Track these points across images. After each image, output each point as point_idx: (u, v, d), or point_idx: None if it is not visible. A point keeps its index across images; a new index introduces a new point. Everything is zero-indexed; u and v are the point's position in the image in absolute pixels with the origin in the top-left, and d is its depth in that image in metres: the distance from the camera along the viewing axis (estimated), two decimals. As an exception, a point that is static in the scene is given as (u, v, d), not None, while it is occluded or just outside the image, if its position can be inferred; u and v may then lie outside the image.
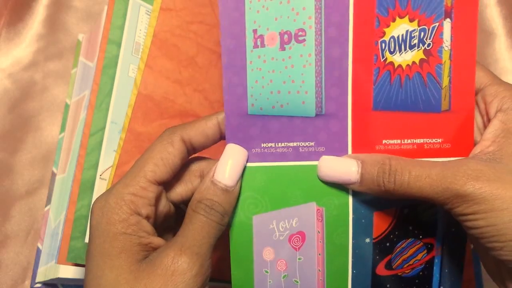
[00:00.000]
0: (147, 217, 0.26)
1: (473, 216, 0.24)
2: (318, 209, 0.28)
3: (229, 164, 0.27)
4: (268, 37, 0.27)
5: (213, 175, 0.27)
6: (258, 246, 0.29)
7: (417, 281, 0.30)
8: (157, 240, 0.26)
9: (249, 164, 0.28)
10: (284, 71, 0.27)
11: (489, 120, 0.28)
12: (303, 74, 0.27)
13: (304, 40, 0.27)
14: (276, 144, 0.28)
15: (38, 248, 0.44)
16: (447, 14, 0.27)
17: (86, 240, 0.36)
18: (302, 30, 0.27)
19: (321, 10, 0.27)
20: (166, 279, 0.24)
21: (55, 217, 0.42)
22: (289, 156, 0.28)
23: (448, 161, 0.26)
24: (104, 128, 0.37)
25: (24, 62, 0.52)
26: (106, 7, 0.40)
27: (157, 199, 0.27)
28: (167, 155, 0.27)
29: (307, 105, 0.27)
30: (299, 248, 0.29)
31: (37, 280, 0.42)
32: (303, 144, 0.28)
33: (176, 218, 0.30)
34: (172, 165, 0.27)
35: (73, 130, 0.43)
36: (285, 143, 0.28)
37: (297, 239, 0.29)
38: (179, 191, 0.29)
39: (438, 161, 0.26)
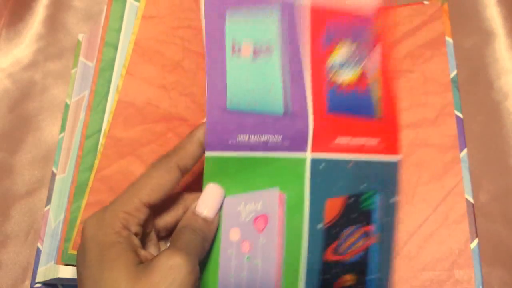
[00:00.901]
0: (136, 234, 0.29)
1: None
2: (280, 195, 0.32)
3: (209, 199, 0.31)
4: (244, 47, 0.32)
5: (195, 208, 0.31)
6: (226, 226, 0.32)
7: (356, 266, 0.33)
8: (144, 253, 0.29)
9: (224, 154, 0.31)
10: (256, 77, 0.31)
11: None
12: (272, 81, 0.32)
13: (272, 53, 0.32)
14: (250, 137, 0.31)
15: (38, 248, 0.44)
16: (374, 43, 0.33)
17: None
18: (272, 45, 0.32)
19: (284, 32, 0.32)
20: (164, 273, 0.26)
21: (55, 217, 0.42)
22: (259, 148, 0.31)
23: None
24: (100, 130, 0.37)
25: (24, 62, 0.52)
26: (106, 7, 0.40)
27: (146, 220, 0.30)
28: (164, 182, 0.30)
29: (276, 105, 0.31)
30: (262, 230, 0.32)
31: (37, 280, 0.42)
32: (272, 138, 0.31)
33: (158, 241, 0.33)
34: (167, 191, 0.30)
35: (73, 130, 0.43)
36: (257, 137, 0.31)
37: (260, 221, 0.32)
38: (166, 218, 0.32)
39: None
